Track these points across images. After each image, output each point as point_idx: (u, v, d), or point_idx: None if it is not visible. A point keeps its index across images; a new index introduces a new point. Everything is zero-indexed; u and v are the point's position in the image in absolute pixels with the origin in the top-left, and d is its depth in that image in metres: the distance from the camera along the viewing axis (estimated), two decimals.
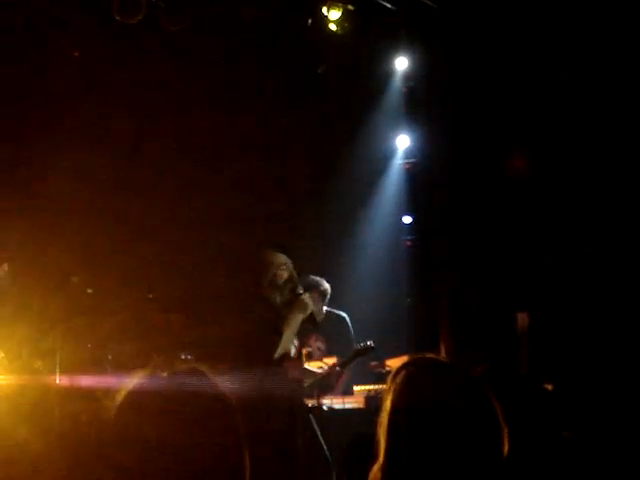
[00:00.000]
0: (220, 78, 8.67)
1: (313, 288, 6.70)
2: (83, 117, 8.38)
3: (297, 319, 5.33)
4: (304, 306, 5.36)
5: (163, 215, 8.83)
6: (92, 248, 8.58)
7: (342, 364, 6.46)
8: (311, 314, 5.84)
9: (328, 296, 6.83)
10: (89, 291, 8.08)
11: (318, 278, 6.83)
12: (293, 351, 6.74)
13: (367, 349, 6.41)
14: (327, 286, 6.84)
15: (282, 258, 5.49)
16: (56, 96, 8.26)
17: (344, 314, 6.95)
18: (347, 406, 6.64)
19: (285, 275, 5.43)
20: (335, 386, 6.77)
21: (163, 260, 8.78)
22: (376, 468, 2.42)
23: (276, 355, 5.26)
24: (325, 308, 6.74)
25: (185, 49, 8.33)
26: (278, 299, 5.39)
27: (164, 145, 8.82)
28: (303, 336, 6.90)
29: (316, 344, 7.05)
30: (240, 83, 8.68)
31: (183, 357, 7.82)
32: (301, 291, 5.50)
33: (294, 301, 5.42)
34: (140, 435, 2.14)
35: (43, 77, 8.17)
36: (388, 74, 8.98)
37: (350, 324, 6.92)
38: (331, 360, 6.79)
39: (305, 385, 6.13)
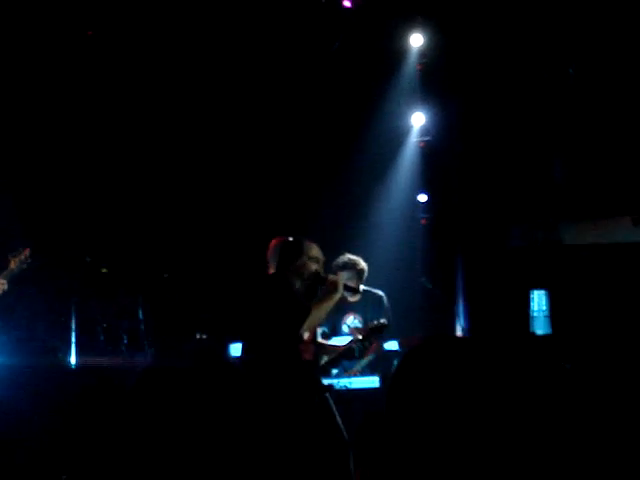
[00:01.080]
0: (236, 57, 8.64)
1: (350, 267, 6.74)
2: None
3: (329, 300, 5.30)
4: (335, 287, 5.33)
5: (185, 195, 8.87)
6: (108, 228, 8.63)
7: (358, 341, 6.45)
8: (350, 289, 5.85)
9: (365, 274, 6.84)
10: (104, 270, 8.11)
11: (355, 257, 6.85)
12: (320, 331, 6.77)
13: (381, 327, 6.39)
14: (364, 265, 6.85)
15: (316, 251, 5.42)
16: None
17: (381, 293, 6.99)
18: (363, 386, 6.64)
19: (313, 268, 5.34)
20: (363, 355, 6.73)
21: (181, 240, 8.82)
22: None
23: (304, 329, 5.23)
24: (362, 287, 6.75)
25: (199, 29, 8.32)
26: (298, 286, 5.31)
27: (183, 126, 8.84)
28: (341, 314, 6.95)
29: (353, 323, 7.05)
30: (255, 62, 8.65)
31: (198, 336, 7.86)
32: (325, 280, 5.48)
33: (323, 284, 5.38)
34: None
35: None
36: (403, 51, 8.89)
37: (387, 303, 6.95)
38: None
39: (324, 361, 6.14)
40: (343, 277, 6.33)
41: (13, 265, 6.84)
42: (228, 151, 9.01)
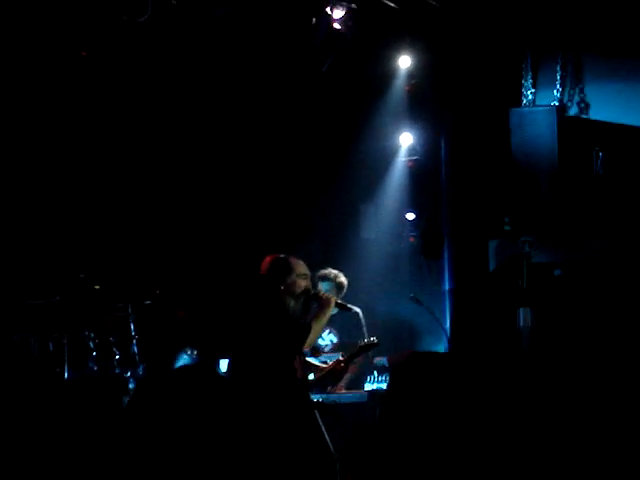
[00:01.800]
0: (226, 78, 8.76)
1: (330, 279, 6.89)
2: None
3: (323, 316, 5.38)
4: (328, 303, 5.42)
5: (174, 212, 8.96)
6: (100, 245, 8.72)
7: (346, 360, 6.55)
8: (341, 307, 5.96)
9: (344, 289, 6.98)
10: (96, 287, 8.18)
11: (336, 271, 6.96)
12: (324, 343, 6.90)
13: (371, 345, 6.50)
14: (344, 279, 7.00)
15: (304, 268, 5.50)
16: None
17: (357, 309, 7.06)
18: (350, 401, 6.75)
19: (303, 285, 5.42)
20: (340, 380, 6.84)
21: (172, 257, 8.91)
22: None
23: (305, 346, 5.32)
24: (339, 301, 6.87)
25: (189, 49, 8.42)
26: (292, 304, 5.38)
27: (173, 142, 8.93)
28: None
29: (329, 337, 7.15)
30: (245, 81, 8.78)
31: (189, 352, 7.95)
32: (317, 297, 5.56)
33: (318, 299, 5.46)
34: None
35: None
36: (391, 72, 9.04)
37: (363, 319, 7.03)
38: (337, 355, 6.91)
39: (310, 379, 6.22)
40: (322, 288, 6.52)
41: None
42: (219, 168, 9.12)
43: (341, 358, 6.52)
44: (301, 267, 5.47)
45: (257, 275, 5.61)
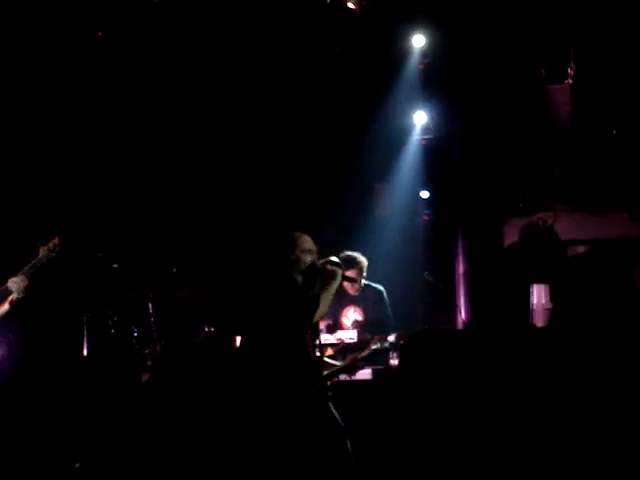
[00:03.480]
0: (241, 56, 8.82)
1: (350, 264, 6.88)
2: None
3: (329, 288, 5.38)
4: (333, 275, 5.41)
5: (190, 192, 9.05)
6: (118, 224, 8.82)
7: (359, 359, 6.66)
8: (349, 279, 6.02)
9: (365, 269, 7.07)
10: (115, 265, 8.28)
11: (355, 254, 7.06)
12: (349, 322, 6.99)
13: (383, 350, 6.66)
14: (363, 260, 7.08)
15: (309, 243, 5.45)
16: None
17: (381, 287, 7.22)
18: (356, 378, 6.84)
19: (308, 260, 5.38)
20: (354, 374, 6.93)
21: (189, 237, 9.00)
22: None
23: (314, 320, 5.33)
24: (363, 281, 7.00)
25: (203, 29, 8.47)
26: (299, 280, 5.36)
27: (188, 122, 9.01)
28: (341, 307, 7.19)
29: (353, 315, 7.24)
30: (260, 62, 8.83)
31: (206, 329, 8.04)
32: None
33: (322, 272, 5.47)
34: None
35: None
36: (405, 51, 9.05)
37: (386, 297, 7.16)
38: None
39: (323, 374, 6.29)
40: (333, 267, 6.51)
41: (41, 253, 6.68)
42: (235, 148, 9.20)
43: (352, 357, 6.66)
44: (306, 243, 5.44)
45: (263, 252, 5.61)
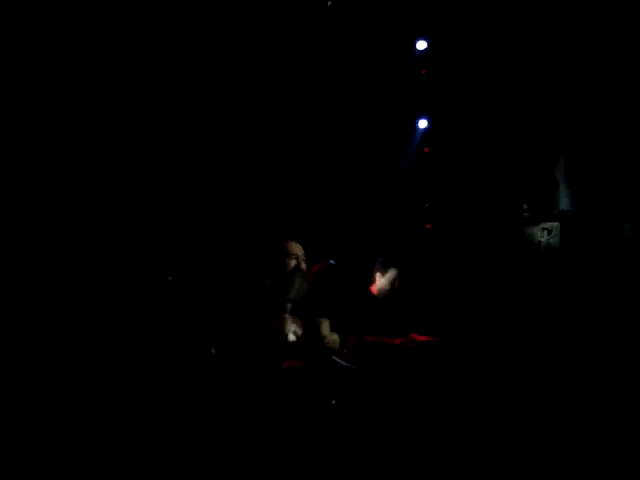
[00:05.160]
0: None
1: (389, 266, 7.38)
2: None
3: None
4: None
5: (178, 199, 8.94)
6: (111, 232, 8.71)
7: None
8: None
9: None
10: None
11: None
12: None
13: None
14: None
15: (295, 248, 5.61)
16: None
17: None
18: None
19: (292, 264, 5.51)
20: None
21: (181, 243, 8.88)
22: None
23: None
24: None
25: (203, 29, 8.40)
26: (282, 285, 5.49)
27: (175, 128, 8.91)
28: None
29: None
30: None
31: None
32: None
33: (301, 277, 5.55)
34: None
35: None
36: (408, 57, 8.98)
37: None
38: None
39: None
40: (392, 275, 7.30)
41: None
42: (227, 155, 9.09)
43: None
44: (292, 247, 5.59)
45: (252, 257, 5.81)
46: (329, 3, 8.41)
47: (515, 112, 8.65)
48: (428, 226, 9.19)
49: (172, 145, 8.79)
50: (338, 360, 6.44)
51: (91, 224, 8.38)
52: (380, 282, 7.40)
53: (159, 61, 8.48)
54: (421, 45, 8.93)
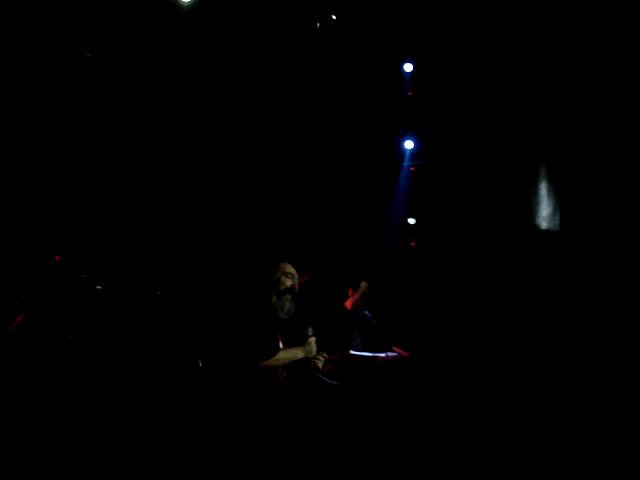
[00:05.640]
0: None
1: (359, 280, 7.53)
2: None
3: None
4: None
5: (172, 210, 8.99)
6: (101, 244, 8.75)
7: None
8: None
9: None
10: (98, 287, 8.21)
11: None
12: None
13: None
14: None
15: (290, 268, 5.79)
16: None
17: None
18: None
19: (288, 283, 5.70)
20: None
21: (172, 257, 8.93)
22: None
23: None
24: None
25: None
26: (274, 300, 5.66)
27: (172, 137, 8.97)
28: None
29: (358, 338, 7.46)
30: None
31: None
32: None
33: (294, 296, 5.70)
34: None
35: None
36: (395, 79, 9.09)
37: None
38: None
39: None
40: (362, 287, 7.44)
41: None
42: (221, 174, 9.17)
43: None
44: (288, 267, 5.77)
45: (249, 273, 5.95)
46: (318, 25, 8.52)
47: (499, 132, 8.73)
48: (413, 244, 9.29)
49: (166, 159, 8.88)
50: (322, 377, 6.56)
51: (89, 232, 8.48)
52: (353, 297, 7.58)
53: (156, 67, 8.57)
54: (408, 67, 9.06)
